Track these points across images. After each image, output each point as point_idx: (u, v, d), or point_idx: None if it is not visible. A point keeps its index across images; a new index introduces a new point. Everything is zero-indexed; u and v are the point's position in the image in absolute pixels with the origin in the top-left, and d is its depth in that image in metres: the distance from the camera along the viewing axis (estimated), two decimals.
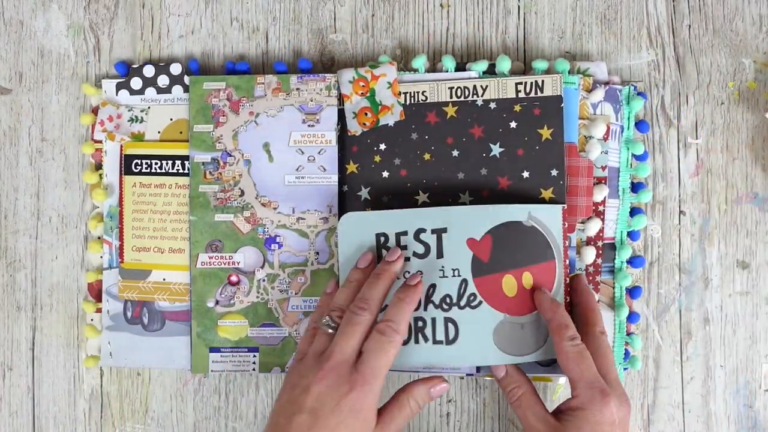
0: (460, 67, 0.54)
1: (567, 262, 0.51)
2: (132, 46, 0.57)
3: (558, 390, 0.56)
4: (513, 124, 0.52)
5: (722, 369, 0.55)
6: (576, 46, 0.56)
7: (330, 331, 0.47)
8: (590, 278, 0.53)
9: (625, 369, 0.55)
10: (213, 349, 0.54)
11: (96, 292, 0.57)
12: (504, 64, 0.53)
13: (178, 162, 0.55)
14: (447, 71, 0.54)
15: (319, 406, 0.44)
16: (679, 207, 0.56)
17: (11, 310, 0.57)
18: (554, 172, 0.51)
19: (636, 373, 0.56)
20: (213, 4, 0.57)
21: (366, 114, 0.53)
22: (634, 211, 0.55)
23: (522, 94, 0.52)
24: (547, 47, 0.56)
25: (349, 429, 0.44)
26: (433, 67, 0.56)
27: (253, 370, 0.54)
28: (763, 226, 0.56)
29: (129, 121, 0.56)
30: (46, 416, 0.57)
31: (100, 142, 0.56)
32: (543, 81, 0.52)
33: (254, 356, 0.54)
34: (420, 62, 0.54)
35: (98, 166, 0.57)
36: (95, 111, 0.56)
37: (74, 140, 0.57)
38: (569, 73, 0.53)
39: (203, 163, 0.54)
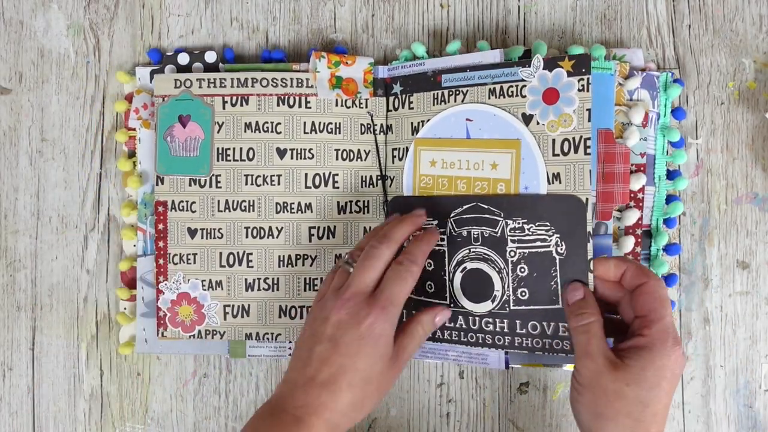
0: None
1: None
2: (132, 46, 0.57)
3: (558, 390, 0.56)
4: None
5: (722, 369, 0.55)
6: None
7: (350, 269, 0.47)
8: None
9: None
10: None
11: (128, 280, 0.56)
12: (541, 50, 0.53)
13: None
14: None
15: (339, 334, 0.44)
16: None
17: (11, 310, 0.57)
18: None
19: None
20: (213, 4, 0.57)
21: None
22: (669, 199, 0.55)
23: None
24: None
25: (368, 357, 0.43)
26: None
27: (290, 355, 0.54)
28: (763, 226, 0.56)
29: None
30: (46, 416, 0.57)
31: (134, 129, 0.56)
32: None
33: (290, 342, 0.55)
34: (454, 47, 0.54)
35: (131, 154, 0.56)
36: (129, 98, 0.56)
37: (74, 140, 0.57)
38: (605, 59, 0.53)
39: None
